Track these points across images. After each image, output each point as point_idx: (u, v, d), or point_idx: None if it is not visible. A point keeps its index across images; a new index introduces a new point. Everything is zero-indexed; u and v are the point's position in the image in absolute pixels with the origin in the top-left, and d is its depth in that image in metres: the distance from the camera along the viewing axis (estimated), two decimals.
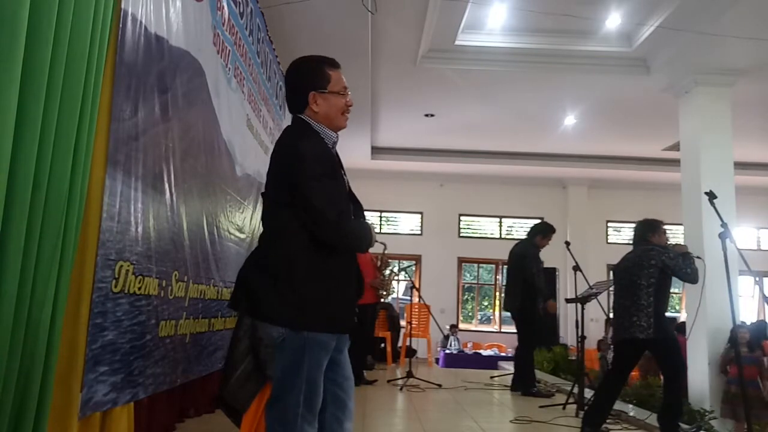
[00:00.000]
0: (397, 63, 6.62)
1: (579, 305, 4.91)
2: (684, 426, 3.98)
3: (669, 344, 3.74)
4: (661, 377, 4.42)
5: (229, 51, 3.74)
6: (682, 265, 3.66)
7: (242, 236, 4.18)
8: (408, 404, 4.93)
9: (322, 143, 1.92)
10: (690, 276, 3.69)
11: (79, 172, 1.84)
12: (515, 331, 5.94)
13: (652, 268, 3.68)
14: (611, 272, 4.14)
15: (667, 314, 3.84)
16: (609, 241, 12.12)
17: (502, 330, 11.56)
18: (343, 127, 2.01)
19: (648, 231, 3.96)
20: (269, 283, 1.82)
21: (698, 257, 3.88)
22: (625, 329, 3.74)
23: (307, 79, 1.95)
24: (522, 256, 5.70)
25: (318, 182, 1.80)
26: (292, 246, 1.82)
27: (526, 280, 5.56)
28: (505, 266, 12.24)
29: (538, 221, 6.65)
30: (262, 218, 1.99)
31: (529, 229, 5.98)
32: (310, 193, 1.79)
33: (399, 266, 10.59)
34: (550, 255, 6.11)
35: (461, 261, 11.97)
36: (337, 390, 1.93)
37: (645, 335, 3.61)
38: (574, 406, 4.62)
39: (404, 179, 11.66)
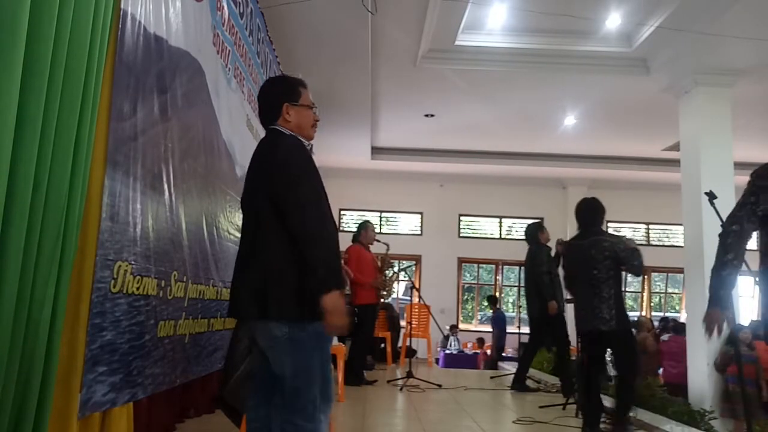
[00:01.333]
0: (397, 63, 6.62)
1: None
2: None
3: (628, 338, 3.82)
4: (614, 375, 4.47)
5: (229, 51, 3.74)
6: (631, 258, 3.74)
7: None
8: (408, 404, 4.93)
9: (299, 141, 2.08)
10: (637, 268, 3.77)
11: (79, 172, 1.84)
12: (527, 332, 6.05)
13: (607, 260, 3.76)
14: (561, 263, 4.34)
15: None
16: None
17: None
18: (311, 138, 2.19)
19: (599, 215, 4.02)
20: (267, 283, 1.88)
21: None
22: (588, 321, 3.77)
23: (281, 93, 2.14)
24: (529, 259, 5.75)
25: (308, 180, 1.94)
26: (280, 246, 1.90)
27: (538, 283, 5.60)
28: (505, 266, 12.27)
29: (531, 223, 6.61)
30: (244, 227, 2.09)
31: (527, 236, 5.97)
32: (299, 188, 1.90)
33: (399, 266, 10.59)
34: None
35: (461, 261, 11.97)
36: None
37: (608, 327, 3.66)
38: (574, 406, 4.62)
39: (404, 179, 11.65)
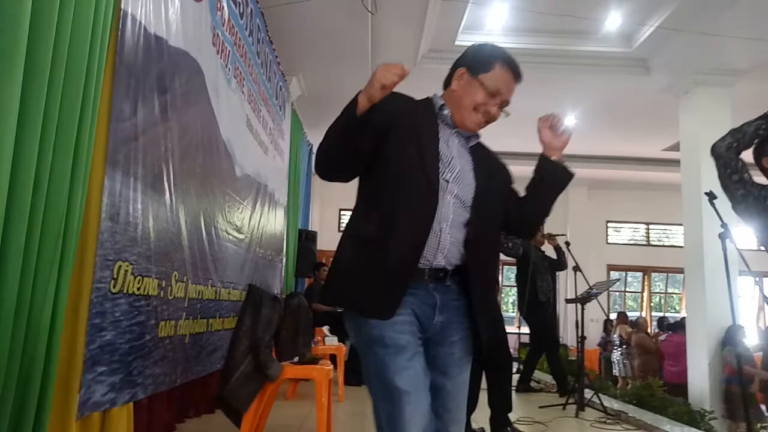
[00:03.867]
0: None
1: (579, 305, 4.92)
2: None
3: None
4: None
5: (229, 51, 3.73)
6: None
7: (241, 236, 4.18)
8: None
9: (401, 104, 1.59)
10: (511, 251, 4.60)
11: (80, 173, 1.84)
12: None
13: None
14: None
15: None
16: (609, 241, 12.11)
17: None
18: (468, 128, 1.61)
19: None
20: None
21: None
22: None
23: (468, 56, 1.67)
24: (521, 258, 5.73)
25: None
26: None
27: (528, 282, 5.58)
28: (505, 266, 12.24)
29: None
30: None
31: None
32: None
33: None
34: (549, 255, 6.11)
35: None
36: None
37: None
38: (575, 407, 4.62)
39: None
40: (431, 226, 1.44)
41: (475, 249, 1.50)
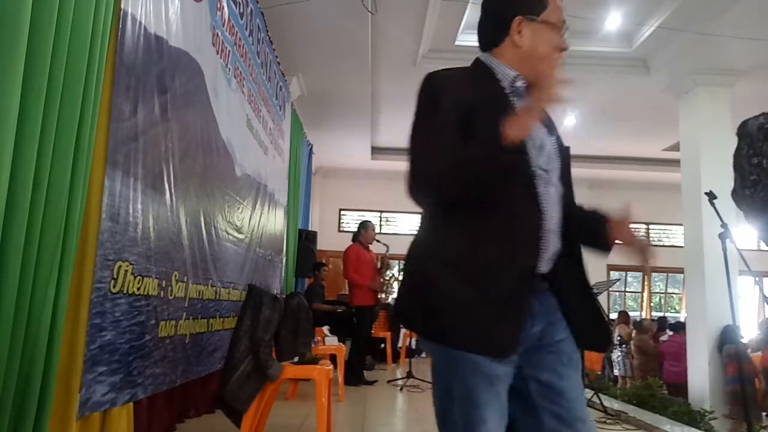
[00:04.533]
0: (397, 63, 6.61)
1: None
2: None
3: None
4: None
5: (229, 51, 3.73)
6: None
7: (241, 236, 4.18)
8: (408, 404, 4.92)
9: (481, 84, 1.34)
10: None
11: (80, 173, 1.84)
12: None
13: None
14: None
15: None
16: None
17: None
18: (547, 77, 1.30)
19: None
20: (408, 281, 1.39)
21: None
22: None
23: (513, 2, 1.37)
24: None
25: (426, 128, 1.30)
26: (425, 229, 1.38)
27: None
28: None
29: None
30: None
31: None
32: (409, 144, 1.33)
33: (399, 267, 10.57)
34: None
35: None
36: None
37: None
38: None
39: (404, 179, 11.65)
40: (541, 235, 1.26)
41: (571, 239, 1.34)
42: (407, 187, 1.32)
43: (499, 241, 1.24)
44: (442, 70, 1.37)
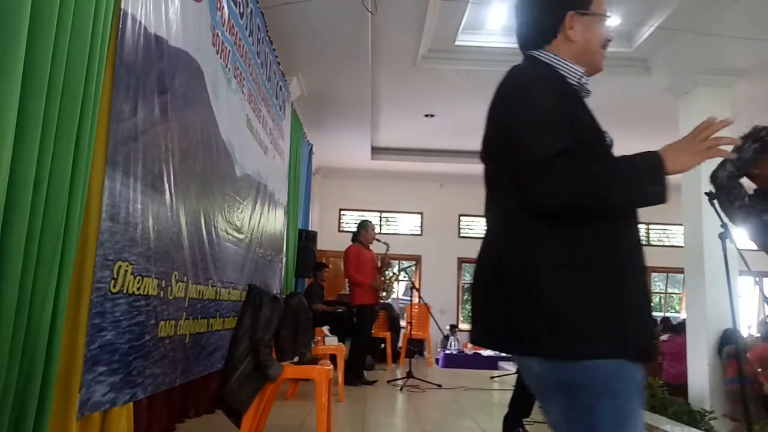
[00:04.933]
0: (397, 63, 6.61)
1: None
2: None
3: None
4: None
5: (229, 51, 3.73)
6: None
7: (241, 236, 4.18)
8: (408, 405, 4.92)
9: (561, 83, 1.32)
10: None
11: (80, 173, 1.84)
12: None
13: None
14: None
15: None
16: None
17: None
18: (599, 69, 1.40)
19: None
20: (511, 294, 1.18)
21: None
22: None
23: None
24: None
25: (534, 124, 1.19)
26: (527, 230, 1.19)
27: None
28: None
29: None
30: (488, 204, 1.39)
31: None
32: (517, 138, 1.20)
33: (399, 266, 10.59)
34: None
35: (461, 261, 11.96)
36: None
37: None
38: None
39: (404, 179, 11.64)
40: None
41: None
42: (528, 189, 1.14)
43: (637, 245, 1.23)
44: (521, 67, 1.35)
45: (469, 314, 1.35)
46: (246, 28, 4.17)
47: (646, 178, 1.15)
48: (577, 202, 1.13)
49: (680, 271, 9.75)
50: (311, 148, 8.28)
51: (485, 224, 1.38)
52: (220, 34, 3.52)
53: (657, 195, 1.15)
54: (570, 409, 1.13)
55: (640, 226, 1.27)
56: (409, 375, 5.97)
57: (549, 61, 1.34)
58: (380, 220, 12.01)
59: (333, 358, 4.74)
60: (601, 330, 1.11)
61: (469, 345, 10.90)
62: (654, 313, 12.04)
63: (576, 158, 1.13)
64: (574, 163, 1.12)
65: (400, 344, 8.66)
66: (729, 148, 1.17)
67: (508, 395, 5.67)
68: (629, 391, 1.12)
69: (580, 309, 1.11)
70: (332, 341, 5.17)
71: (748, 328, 9.44)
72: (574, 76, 1.34)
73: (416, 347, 8.87)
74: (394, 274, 7.04)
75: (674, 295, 13.01)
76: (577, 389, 1.11)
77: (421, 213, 12.11)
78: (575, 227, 1.16)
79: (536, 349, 1.14)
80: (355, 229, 6.25)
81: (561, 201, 1.12)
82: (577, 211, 1.15)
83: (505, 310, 1.17)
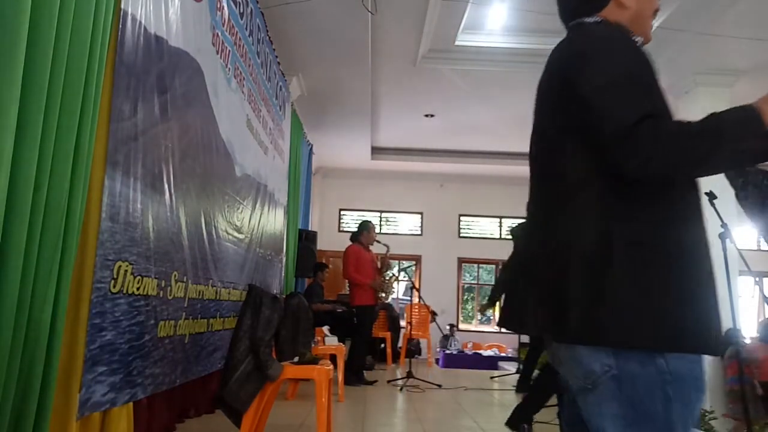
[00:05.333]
0: (397, 63, 6.61)
1: None
2: None
3: None
4: None
5: (229, 51, 3.73)
6: None
7: (241, 236, 4.18)
8: (408, 405, 4.92)
9: (632, 43, 1.17)
10: None
11: (80, 172, 1.84)
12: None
13: None
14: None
15: None
16: None
17: (502, 330, 11.55)
18: (649, 39, 1.28)
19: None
20: (568, 277, 1.05)
21: None
22: None
23: None
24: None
25: (613, 85, 1.07)
26: (595, 205, 1.08)
27: None
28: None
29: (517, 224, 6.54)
30: (539, 177, 1.26)
31: (514, 237, 5.98)
32: (594, 98, 1.07)
33: (399, 267, 10.59)
34: None
35: (461, 261, 11.97)
36: None
37: None
38: None
39: (404, 179, 11.65)
40: None
41: None
42: (615, 156, 1.02)
43: (703, 223, 1.11)
44: (586, 27, 1.23)
45: (506, 298, 1.26)
46: (246, 28, 4.17)
47: (749, 130, 1.03)
48: (671, 164, 1.01)
49: None
50: (311, 148, 8.28)
51: (534, 208, 1.25)
52: (220, 34, 3.52)
53: (765, 150, 1.02)
54: (629, 406, 1.01)
55: None
56: (409, 375, 5.97)
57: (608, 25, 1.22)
58: (380, 220, 12.01)
59: (333, 358, 4.74)
60: (684, 320, 1.00)
61: (469, 345, 10.91)
62: None
63: (663, 120, 1.04)
64: (663, 125, 1.02)
65: (400, 344, 8.66)
66: None
67: (508, 395, 5.69)
68: (699, 387, 1.04)
69: (662, 295, 1.00)
70: (332, 341, 5.17)
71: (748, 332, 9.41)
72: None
73: (414, 347, 8.86)
74: (393, 274, 7.04)
75: None
76: (646, 383, 1.00)
77: (421, 213, 12.11)
78: (654, 203, 1.05)
79: (603, 338, 1.01)
80: (355, 230, 6.25)
81: (652, 166, 1.00)
82: (669, 177, 1.04)
83: (564, 293, 1.05)
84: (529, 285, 1.15)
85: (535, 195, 1.25)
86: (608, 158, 1.04)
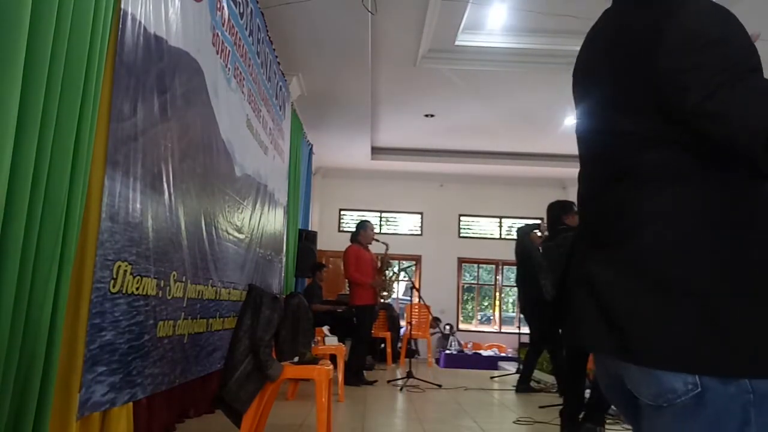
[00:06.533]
0: (397, 63, 6.61)
1: None
2: None
3: None
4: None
5: (229, 51, 3.73)
6: None
7: (241, 236, 4.18)
8: (408, 405, 4.92)
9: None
10: None
11: (80, 172, 1.84)
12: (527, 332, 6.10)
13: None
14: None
15: None
16: None
17: (502, 330, 11.56)
18: None
19: (560, 213, 4.12)
20: (642, 292, 0.90)
21: None
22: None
23: None
24: (526, 257, 5.74)
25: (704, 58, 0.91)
26: (675, 210, 0.91)
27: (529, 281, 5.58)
28: (505, 266, 12.27)
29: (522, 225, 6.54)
30: (597, 165, 1.07)
31: (519, 237, 5.99)
32: (681, 76, 0.91)
33: (399, 266, 10.58)
34: None
35: (461, 261, 11.97)
36: None
37: None
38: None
39: (404, 179, 11.65)
40: None
41: None
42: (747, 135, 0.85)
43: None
44: None
45: (559, 307, 1.10)
46: (246, 28, 4.17)
47: None
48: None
49: None
50: (311, 148, 8.28)
51: (588, 194, 1.08)
52: (220, 34, 3.52)
53: None
54: (707, 426, 0.86)
55: None
56: (409, 375, 5.97)
57: None
58: (380, 220, 12.01)
59: (333, 358, 4.74)
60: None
61: (469, 345, 10.91)
62: None
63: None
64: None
65: (400, 344, 8.66)
66: None
67: (509, 395, 5.69)
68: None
69: (754, 308, 0.83)
70: (332, 341, 5.17)
71: None
72: None
73: (412, 347, 8.86)
74: (394, 273, 7.04)
75: None
76: (727, 403, 0.85)
77: (421, 213, 12.11)
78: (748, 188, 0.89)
79: (678, 360, 0.85)
80: (354, 229, 6.26)
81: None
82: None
83: (628, 305, 0.90)
84: (591, 297, 0.97)
85: (593, 185, 1.06)
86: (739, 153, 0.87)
